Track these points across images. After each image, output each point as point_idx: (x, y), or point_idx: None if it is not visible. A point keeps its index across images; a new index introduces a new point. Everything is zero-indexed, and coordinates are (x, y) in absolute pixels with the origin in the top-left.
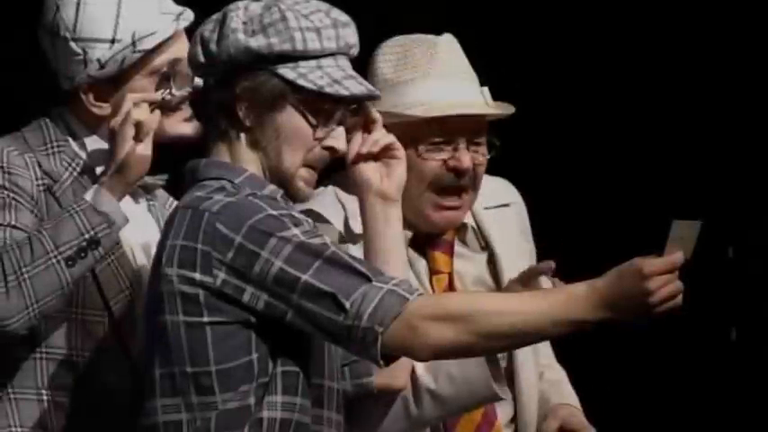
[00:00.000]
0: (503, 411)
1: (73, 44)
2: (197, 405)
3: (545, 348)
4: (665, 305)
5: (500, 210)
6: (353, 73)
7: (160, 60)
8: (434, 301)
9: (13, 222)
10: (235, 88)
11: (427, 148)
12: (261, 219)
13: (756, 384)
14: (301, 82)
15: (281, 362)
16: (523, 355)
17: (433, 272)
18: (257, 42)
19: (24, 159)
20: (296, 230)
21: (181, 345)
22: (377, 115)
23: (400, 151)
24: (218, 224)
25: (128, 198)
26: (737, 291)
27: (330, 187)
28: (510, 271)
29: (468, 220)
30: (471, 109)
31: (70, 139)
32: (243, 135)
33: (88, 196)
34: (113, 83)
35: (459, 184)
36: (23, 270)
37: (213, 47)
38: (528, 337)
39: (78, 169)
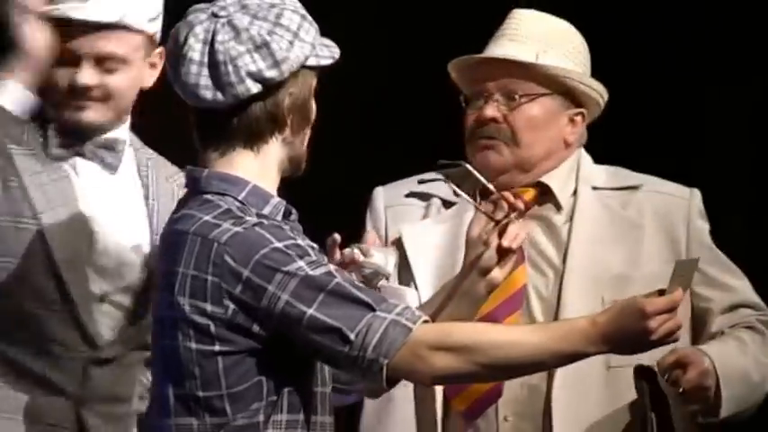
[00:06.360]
0: None
1: None
2: (210, 426)
3: None
4: (664, 341)
5: (619, 192)
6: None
7: None
8: (438, 330)
9: None
10: (283, 96)
11: (468, 102)
12: (267, 253)
13: None
14: (324, 62)
15: (288, 381)
16: None
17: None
18: (305, 41)
19: None
20: (301, 263)
21: (193, 371)
22: (520, 205)
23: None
24: (226, 256)
25: (95, 168)
26: None
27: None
28: (578, 251)
29: (550, 181)
30: (478, 56)
31: None
32: (277, 141)
33: None
34: None
35: (490, 137)
36: None
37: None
38: (528, 368)
39: None
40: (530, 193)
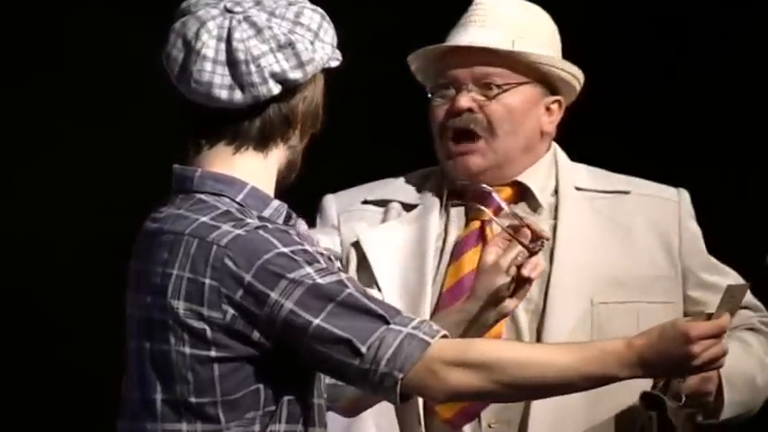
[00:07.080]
0: None
1: None
2: None
3: None
4: (707, 367)
5: (608, 195)
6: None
7: None
8: (457, 345)
9: None
10: (298, 99)
11: (434, 93)
12: (271, 258)
13: None
14: (334, 63)
15: (287, 390)
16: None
17: (469, 219)
18: (325, 42)
19: None
20: (309, 269)
21: (186, 377)
22: (548, 234)
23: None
24: (226, 260)
25: None
26: None
27: None
28: (565, 252)
29: (529, 181)
30: (449, 45)
31: None
32: (284, 144)
33: None
34: None
35: (466, 128)
36: None
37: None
38: (555, 389)
39: None
40: (505, 192)
